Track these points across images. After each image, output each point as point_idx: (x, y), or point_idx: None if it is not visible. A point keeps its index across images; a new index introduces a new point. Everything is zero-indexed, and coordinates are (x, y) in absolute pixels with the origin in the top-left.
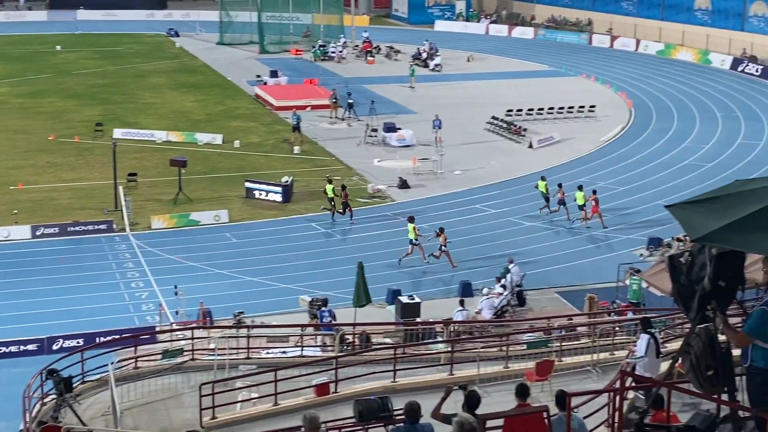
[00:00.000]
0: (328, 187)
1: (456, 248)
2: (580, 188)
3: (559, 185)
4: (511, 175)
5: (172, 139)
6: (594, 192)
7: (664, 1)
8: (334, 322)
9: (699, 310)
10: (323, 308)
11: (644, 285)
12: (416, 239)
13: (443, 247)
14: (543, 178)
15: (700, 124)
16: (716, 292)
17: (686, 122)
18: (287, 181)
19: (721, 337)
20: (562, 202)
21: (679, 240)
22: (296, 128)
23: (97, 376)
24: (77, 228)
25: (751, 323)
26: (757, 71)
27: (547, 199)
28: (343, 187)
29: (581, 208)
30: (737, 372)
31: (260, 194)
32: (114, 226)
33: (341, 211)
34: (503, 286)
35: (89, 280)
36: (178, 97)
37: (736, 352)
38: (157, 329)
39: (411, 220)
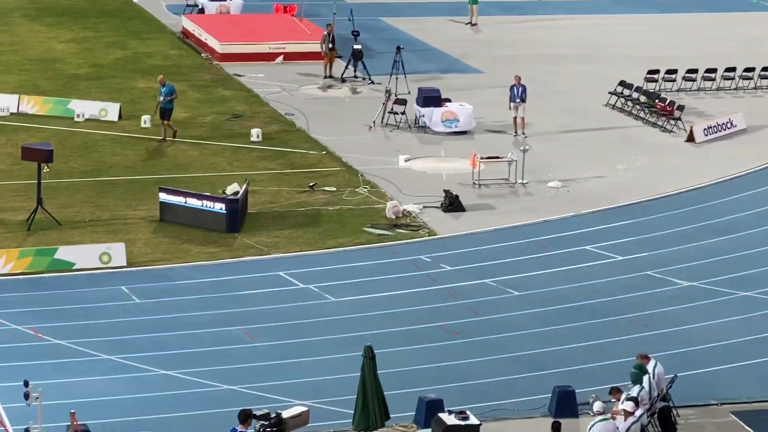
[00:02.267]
0: None
1: (544, 324)
2: None
3: None
4: (654, 192)
5: (28, 111)
6: None
7: None
8: None
9: None
10: (240, 429)
11: None
12: None
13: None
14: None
15: None
16: None
17: None
18: (236, 194)
19: None
20: None
21: None
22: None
23: None
24: None
25: None
26: None
27: None
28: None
29: None
30: None
31: (186, 215)
32: None
33: None
34: (633, 399)
35: None
36: (42, 34)
37: None
38: None
39: None
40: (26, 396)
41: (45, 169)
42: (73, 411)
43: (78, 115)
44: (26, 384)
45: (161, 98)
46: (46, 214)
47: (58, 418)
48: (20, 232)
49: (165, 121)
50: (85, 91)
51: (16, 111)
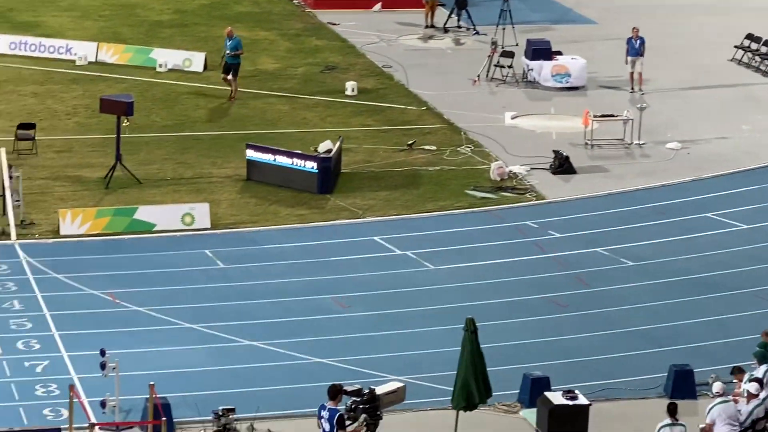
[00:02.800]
0: None
1: (660, 298)
2: None
3: None
4: None
5: (107, 60)
6: None
7: None
8: None
9: None
10: (330, 405)
11: None
12: None
13: None
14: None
15: None
16: None
17: None
18: (329, 152)
19: None
20: None
21: None
22: None
23: None
24: None
25: None
26: None
27: None
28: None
29: None
30: None
31: (275, 174)
32: None
33: None
34: (758, 381)
35: None
36: None
37: None
38: None
39: None
40: (102, 366)
41: (125, 123)
42: (152, 383)
43: (160, 65)
44: (103, 353)
45: (227, 52)
46: (126, 172)
47: (136, 389)
48: (98, 191)
49: (228, 78)
50: (168, 40)
51: (94, 60)
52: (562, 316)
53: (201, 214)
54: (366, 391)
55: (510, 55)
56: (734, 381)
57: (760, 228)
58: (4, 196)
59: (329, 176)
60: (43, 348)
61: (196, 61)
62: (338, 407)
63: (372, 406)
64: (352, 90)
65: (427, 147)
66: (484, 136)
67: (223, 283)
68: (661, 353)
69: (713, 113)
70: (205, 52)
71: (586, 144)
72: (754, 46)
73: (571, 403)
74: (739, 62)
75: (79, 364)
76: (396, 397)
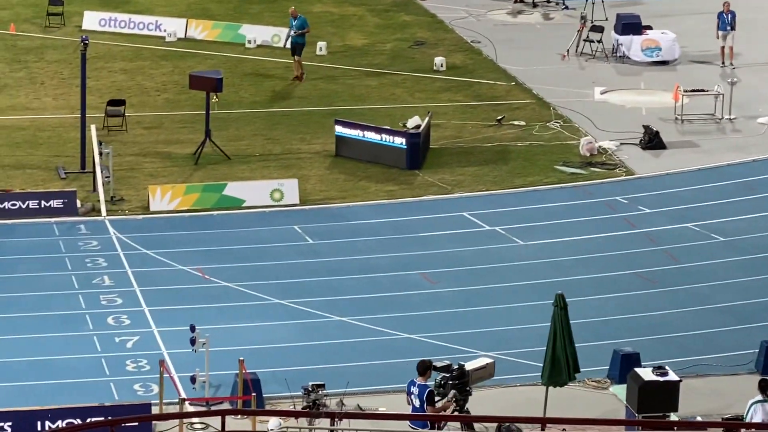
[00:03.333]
0: None
1: (751, 273)
2: None
3: None
4: None
5: (196, 36)
6: None
7: None
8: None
9: None
10: (419, 381)
11: None
12: None
13: None
14: None
15: None
16: None
17: None
18: (417, 128)
19: None
20: None
21: None
22: None
23: None
24: (6, 205)
25: None
26: None
27: None
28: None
29: None
30: None
31: (364, 150)
32: (78, 203)
33: None
34: None
35: (26, 307)
36: None
37: None
38: (155, 411)
39: None
40: (192, 341)
41: (214, 99)
42: (241, 358)
43: (249, 41)
44: (192, 329)
45: (292, 31)
46: (215, 148)
47: (226, 365)
48: (187, 167)
49: (296, 57)
50: (257, 16)
51: (183, 36)
52: (651, 291)
53: (290, 189)
54: (455, 366)
55: (599, 29)
56: None
57: None
58: (94, 172)
59: (418, 152)
60: (134, 323)
61: (284, 37)
62: (428, 383)
63: (461, 381)
64: (441, 65)
65: (515, 122)
66: (573, 111)
67: (312, 258)
68: (751, 329)
69: None
70: None
71: (676, 119)
72: None
73: (661, 379)
74: None
75: (169, 340)
76: (485, 372)
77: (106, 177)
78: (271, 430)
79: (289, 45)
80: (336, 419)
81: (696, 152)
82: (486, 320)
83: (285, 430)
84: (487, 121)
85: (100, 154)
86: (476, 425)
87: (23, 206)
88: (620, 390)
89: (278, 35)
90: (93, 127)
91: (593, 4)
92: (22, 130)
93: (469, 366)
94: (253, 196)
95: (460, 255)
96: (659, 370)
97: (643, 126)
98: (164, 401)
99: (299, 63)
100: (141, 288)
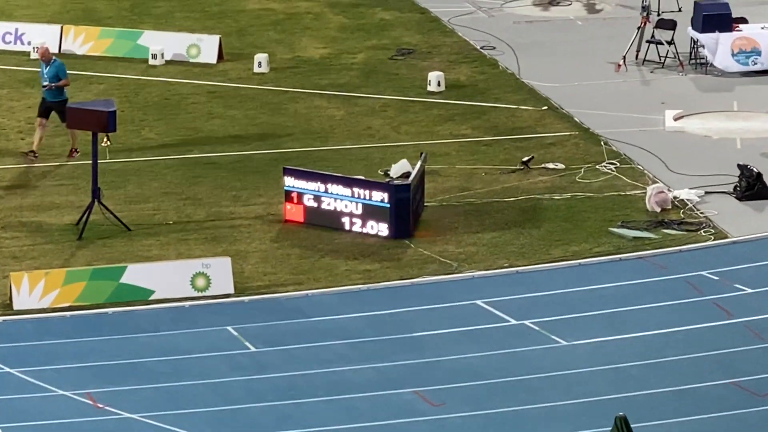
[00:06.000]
0: None
1: None
2: None
3: None
4: None
5: (75, 50)
6: None
7: None
8: None
9: None
10: None
11: None
12: None
13: None
14: None
15: None
16: None
17: None
18: (406, 177)
19: None
20: None
21: None
22: None
23: None
24: None
25: None
26: None
27: None
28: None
29: None
30: None
31: (330, 206)
32: None
33: None
34: None
35: None
36: None
37: None
38: None
39: None
40: None
41: (104, 143)
42: None
43: (154, 56)
44: None
45: (43, 83)
46: (107, 214)
47: None
48: (67, 243)
49: (45, 123)
50: (165, 17)
51: (57, 51)
52: (758, 410)
53: (220, 273)
54: None
55: (670, 25)
56: None
57: None
58: None
59: (408, 213)
60: None
61: (206, 47)
62: None
63: None
64: (438, 84)
65: (551, 165)
66: (634, 146)
67: (255, 374)
68: None
69: None
70: (220, 35)
71: None
72: None
73: None
74: None
75: None
76: None
77: None
78: None
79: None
80: None
81: None
82: None
83: None
84: (509, 164)
85: None
86: None
87: None
88: None
89: (197, 45)
90: None
91: None
92: None
93: None
94: (165, 285)
95: (474, 364)
96: None
97: (739, 166)
98: None
99: (73, 134)
100: (1, 426)
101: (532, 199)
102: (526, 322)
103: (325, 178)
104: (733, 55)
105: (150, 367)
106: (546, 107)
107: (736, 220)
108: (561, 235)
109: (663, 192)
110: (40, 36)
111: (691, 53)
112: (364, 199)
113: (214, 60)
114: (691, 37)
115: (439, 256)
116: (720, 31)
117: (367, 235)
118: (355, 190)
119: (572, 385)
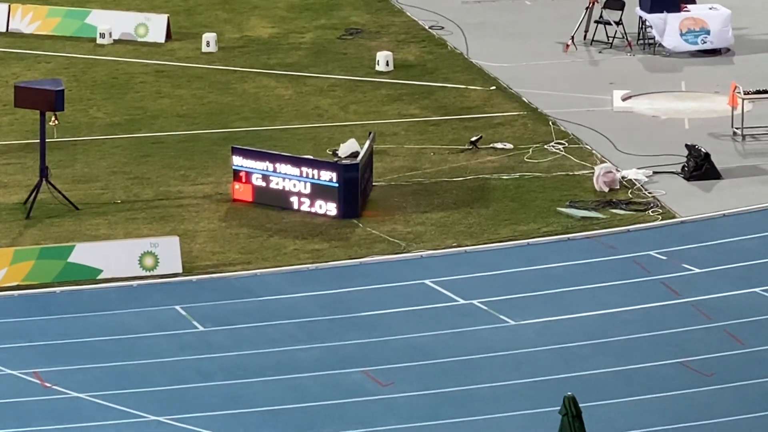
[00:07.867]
0: None
1: None
2: None
3: None
4: None
5: (23, 29)
6: None
7: None
8: None
9: None
10: None
11: None
12: None
13: None
14: None
15: None
16: None
17: None
18: (354, 156)
19: None
20: None
21: None
22: None
23: None
24: None
25: None
26: None
27: None
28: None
29: None
30: None
31: (278, 185)
32: None
33: None
34: None
35: None
36: None
37: None
38: None
39: None
40: None
41: (52, 122)
42: None
43: (102, 35)
44: None
45: None
46: (55, 193)
47: None
48: (15, 222)
49: None
50: None
51: (4, 30)
52: (706, 389)
53: (168, 252)
54: None
55: (619, 5)
56: None
57: None
58: None
59: (356, 192)
60: None
61: (154, 26)
62: None
63: None
64: (387, 64)
65: (499, 145)
66: (582, 126)
67: (202, 353)
68: None
69: None
70: (168, 14)
71: (735, 134)
72: None
73: None
74: None
75: None
76: None
77: None
78: None
79: None
80: None
81: (764, 183)
82: None
83: None
84: (457, 144)
85: None
86: None
87: None
88: None
89: (144, 25)
90: None
91: None
92: None
93: None
94: (113, 264)
95: (422, 343)
96: None
97: (687, 146)
98: None
99: None
100: None
101: (481, 179)
102: (475, 302)
103: (273, 158)
104: (681, 34)
105: (98, 346)
106: (494, 87)
107: (684, 200)
108: (509, 215)
109: (611, 172)
110: None
111: (639, 33)
112: (313, 178)
113: (162, 39)
114: (640, 17)
115: (387, 236)
116: (668, 12)
117: (316, 214)
118: (304, 169)
119: (520, 365)
